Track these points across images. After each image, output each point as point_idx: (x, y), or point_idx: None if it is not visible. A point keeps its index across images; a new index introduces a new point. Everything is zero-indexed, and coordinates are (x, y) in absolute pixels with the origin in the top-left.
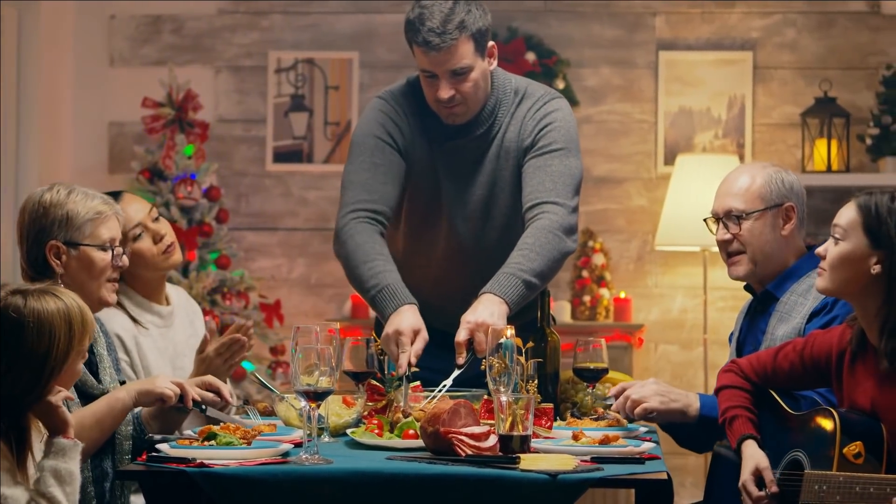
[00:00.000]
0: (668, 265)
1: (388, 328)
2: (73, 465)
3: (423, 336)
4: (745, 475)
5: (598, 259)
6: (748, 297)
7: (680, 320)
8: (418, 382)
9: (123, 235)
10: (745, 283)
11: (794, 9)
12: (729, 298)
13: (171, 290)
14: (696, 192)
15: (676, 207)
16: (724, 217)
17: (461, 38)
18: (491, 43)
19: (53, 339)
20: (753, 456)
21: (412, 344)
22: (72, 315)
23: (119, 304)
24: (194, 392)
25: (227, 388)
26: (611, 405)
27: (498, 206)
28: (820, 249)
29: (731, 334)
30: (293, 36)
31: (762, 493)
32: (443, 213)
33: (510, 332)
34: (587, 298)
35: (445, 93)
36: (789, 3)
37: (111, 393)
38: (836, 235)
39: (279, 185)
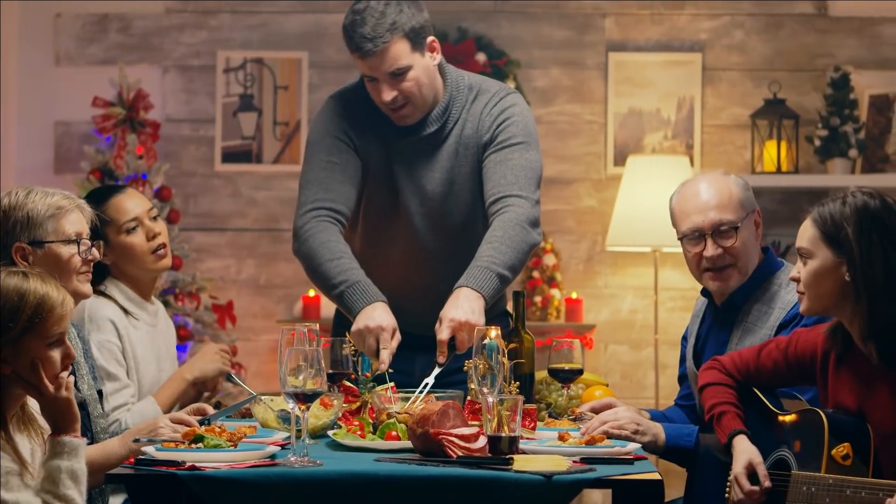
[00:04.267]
0: (617, 266)
1: (368, 322)
2: (83, 463)
3: (398, 336)
4: (738, 468)
5: (549, 260)
6: (698, 297)
7: (630, 321)
8: (393, 384)
9: (118, 228)
10: (702, 288)
11: (743, 10)
12: (678, 299)
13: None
14: (647, 192)
15: (627, 208)
16: (712, 233)
17: (393, 40)
18: (431, 38)
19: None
20: (746, 451)
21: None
22: (29, 294)
23: (108, 296)
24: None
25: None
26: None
27: (456, 203)
28: (793, 274)
29: (684, 337)
30: (242, 35)
31: (755, 488)
32: (400, 210)
33: (494, 332)
34: (538, 299)
35: (388, 95)
36: (737, 4)
37: (108, 447)
38: (803, 255)
39: (228, 185)
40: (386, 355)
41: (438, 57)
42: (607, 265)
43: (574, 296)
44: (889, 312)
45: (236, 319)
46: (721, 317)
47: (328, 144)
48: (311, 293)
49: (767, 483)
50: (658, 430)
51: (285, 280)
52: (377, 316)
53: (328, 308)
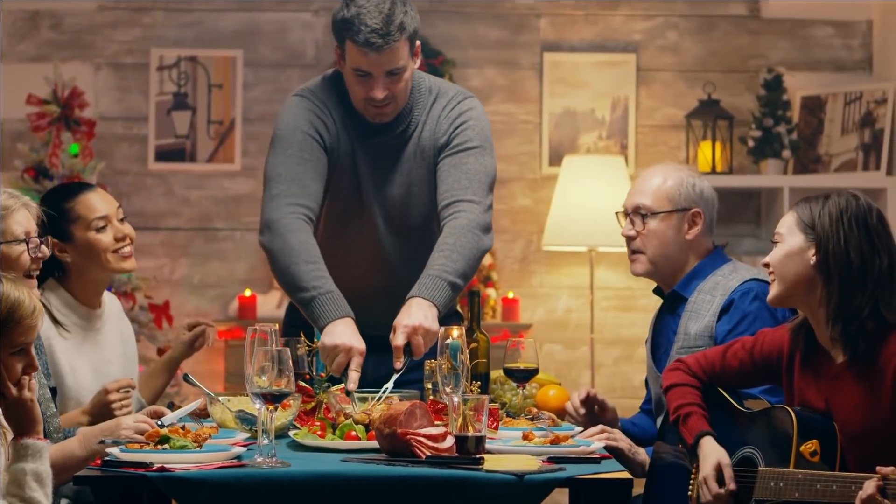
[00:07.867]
0: (553, 265)
1: (343, 340)
2: (47, 465)
3: (364, 353)
4: (707, 470)
5: (485, 259)
6: (633, 296)
7: (564, 320)
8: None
9: (86, 225)
10: (654, 287)
11: (676, 11)
12: (613, 298)
13: (106, 295)
14: (582, 192)
15: (563, 208)
16: (631, 213)
17: (402, 40)
18: (418, 42)
19: None
20: (714, 452)
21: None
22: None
23: (43, 304)
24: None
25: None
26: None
27: (415, 206)
28: (766, 259)
29: (647, 340)
30: (176, 33)
31: (722, 490)
32: (364, 210)
33: (457, 332)
34: None
35: (380, 93)
36: (671, 5)
37: (66, 447)
38: (776, 240)
39: (161, 184)
40: (356, 377)
41: (419, 61)
42: (543, 265)
43: (510, 295)
44: (859, 299)
45: (173, 319)
46: (668, 308)
47: (300, 140)
48: (248, 293)
49: (732, 486)
50: (646, 456)
51: (220, 279)
52: (349, 336)
53: (264, 308)
